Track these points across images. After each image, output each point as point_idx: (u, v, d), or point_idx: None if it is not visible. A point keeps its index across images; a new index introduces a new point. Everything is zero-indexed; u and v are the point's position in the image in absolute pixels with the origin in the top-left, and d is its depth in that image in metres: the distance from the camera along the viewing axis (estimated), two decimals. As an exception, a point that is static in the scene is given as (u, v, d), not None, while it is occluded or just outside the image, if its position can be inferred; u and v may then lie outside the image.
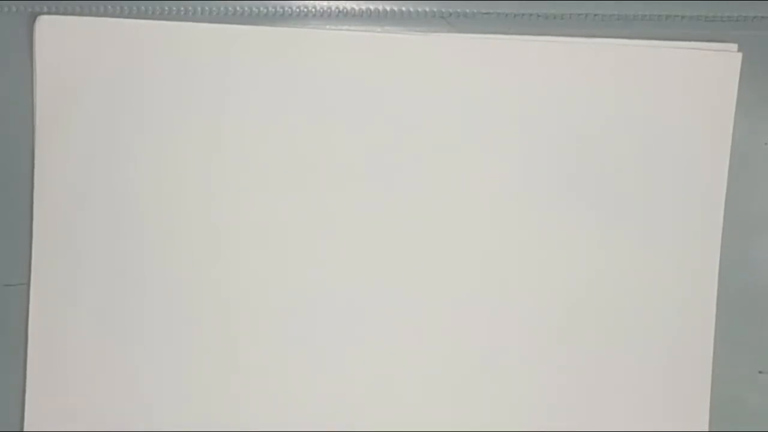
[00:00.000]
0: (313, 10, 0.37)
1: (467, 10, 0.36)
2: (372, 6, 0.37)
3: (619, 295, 0.36)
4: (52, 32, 0.35)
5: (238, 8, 0.36)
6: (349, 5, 0.37)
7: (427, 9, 0.37)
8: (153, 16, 0.36)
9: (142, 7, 0.36)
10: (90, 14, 0.36)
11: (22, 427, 0.36)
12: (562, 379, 0.37)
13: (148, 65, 0.35)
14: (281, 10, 0.36)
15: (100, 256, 0.36)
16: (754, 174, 0.37)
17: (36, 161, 0.35)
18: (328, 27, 0.36)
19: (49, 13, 0.35)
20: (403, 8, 0.37)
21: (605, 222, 0.36)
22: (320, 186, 0.36)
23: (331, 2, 0.37)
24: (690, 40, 0.36)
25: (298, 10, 0.37)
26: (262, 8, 0.36)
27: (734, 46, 0.36)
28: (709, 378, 0.37)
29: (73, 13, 0.36)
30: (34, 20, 0.35)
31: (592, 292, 0.36)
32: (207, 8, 0.36)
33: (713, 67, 0.36)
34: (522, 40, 0.36)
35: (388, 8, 0.37)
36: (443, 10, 0.36)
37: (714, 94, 0.36)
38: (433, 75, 0.36)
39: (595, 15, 0.37)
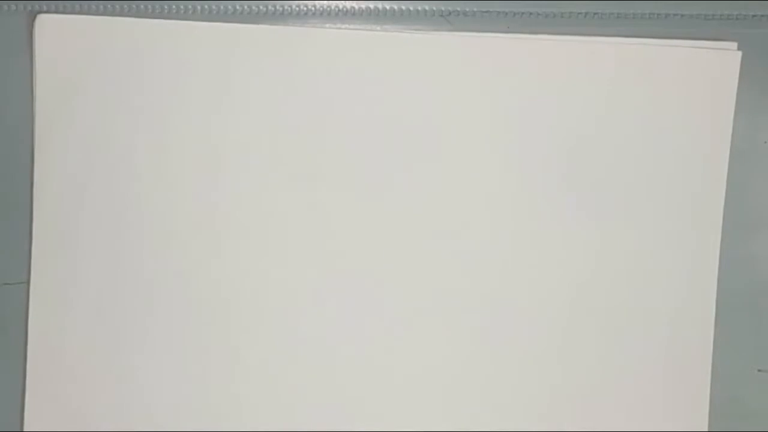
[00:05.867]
0: (313, 8, 0.37)
1: (467, 9, 0.36)
2: (372, 5, 0.37)
3: (618, 293, 0.36)
4: (52, 31, 0.35)
5: (237, 7, 0.36)
6: (348, 4, 0.37)
7: (427, 8, 0.37)
8: (152, 15, 0.36)
9: (142, 6, 0.36)
10: (89, 13, 0.36)
11: (22, 427, 0.36)
12: (561, 379, 0.37)
13: (148, 64, 0.35)
14: (281, 8, 0.36)
15: (100, 254, 0.36)
16: (753, 172, 0.37)
17: (36, 160, 0.35)
18: (327, 26, 0.36)
19: (48, 12, 0.35)
20: (403, 7, 0.37)
21: (605, 220, 0.36)
22: (319, 184, 0.36)
23: (331, 1, 0.37)
24: (690, 38, 0.36)
25: (297, 8, 0.37)
26: (261, 7, 0.36)
27: (734, 45, 0.36)
28: (708, 376, 0.37)
29: (72, 12, 0.36)
30: (33, 19, 0.35)
31: (591, 291, 0.36)
32: (206, 7, 0.36)
33: (713, 66, 0.36)
34: (522, 38, 0.36)
35: (387, 7, 0.37)
36: (443, 8, 0.36)
37: (714, 92, 0.36)
38: (433, 73, 0.36)
39: (595, 14, 0.37)
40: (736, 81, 0.36)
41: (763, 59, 0.37)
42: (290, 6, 0.36)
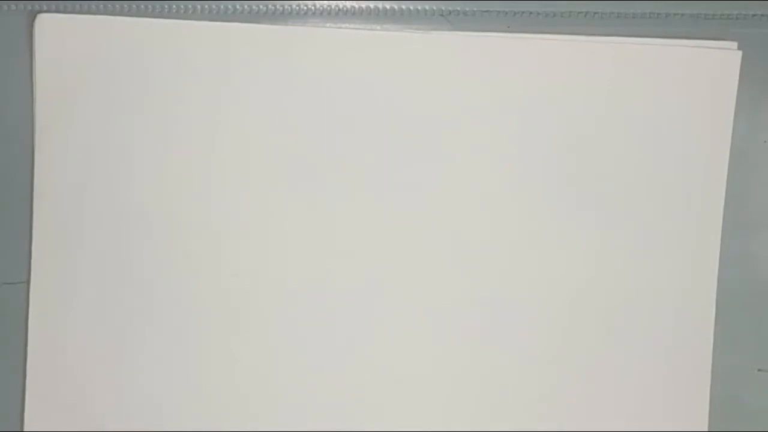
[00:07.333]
0: (313, 8, 0.37)
1: (467, 9, 0.36)
2: (372, 4, 0.37)
3: (618, 293, 0.36)
4: (52, 30, 0.35)
5: (237, 6, 0.36)
6: (349, 4, 0.37)
7: (428, 7, 0.37)
8: (153, 15, 0.36)
9: (142, 6, 0.36)
10: (89, 13, 0.36)
11: (22, 427, 0.36)
12: (560, 379, 0.37)
13: (148, 64, 0.35)
14: (281, 8, 0.36)
15: (100, 254, 0.36)
16: (753, 171, 0.37)
17: (36, 160, 0.35)
18: (328, 25, 0.36)
19: (48, 11, 0.35)
20: (404, 6, 0.37)
21: (605, 219, 0.36)
22: (319, 183, 0.36)
23: (331, 1, 0.37)
24: (690, 38, 0.36)
25: (298, 8, 0.37)
26: (261, 6, 0.36)
27: (734, 44, 0.36)
28: (708, 376, 0.37)
29: (72, 12, 0.36)
30: (33, 18, 0.35)
31: (592, 291, 0.36)
32: (207, 6, 0.36)
33: (713, 66, 0.36)
34: (522, 38, 0.36)
35: (388, 6, 0.37)
36: (443, 8, 0.36)
37: (714, 92, 0.36)
38: (433, 73, 0.36)
39: (595, 13, 0.37)
40: (736, 81, 0.36)
41: (763, 59, 0.37)
42: (290, 6, 0.36)
